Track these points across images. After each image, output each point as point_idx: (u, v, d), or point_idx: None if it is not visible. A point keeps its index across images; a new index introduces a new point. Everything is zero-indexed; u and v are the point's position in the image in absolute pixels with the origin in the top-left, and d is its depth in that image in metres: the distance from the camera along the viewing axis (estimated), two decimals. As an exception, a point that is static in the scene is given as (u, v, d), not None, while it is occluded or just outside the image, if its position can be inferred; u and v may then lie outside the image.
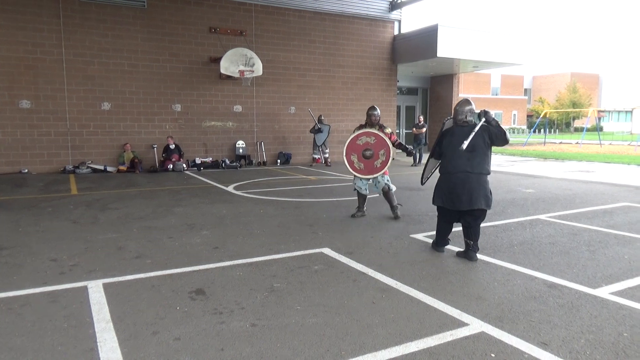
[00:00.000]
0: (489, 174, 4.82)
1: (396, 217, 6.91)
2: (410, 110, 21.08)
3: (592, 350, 2.93)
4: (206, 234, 5.98)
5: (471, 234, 4.85)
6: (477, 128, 4.72)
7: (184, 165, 13.27)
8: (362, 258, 4.90)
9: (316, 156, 14.95)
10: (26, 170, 12.24)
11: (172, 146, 13.43)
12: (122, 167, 12.78)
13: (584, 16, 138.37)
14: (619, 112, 59.12)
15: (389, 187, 6.99)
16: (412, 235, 5.87)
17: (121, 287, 4.06)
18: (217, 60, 13.64)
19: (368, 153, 6.73)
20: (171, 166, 13.03)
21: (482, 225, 5.05)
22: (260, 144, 15.19)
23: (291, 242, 5.59)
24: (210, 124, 14.47)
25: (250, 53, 13.77)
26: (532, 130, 32.39)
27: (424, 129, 15.07)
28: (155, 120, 13.69)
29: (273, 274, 4.43)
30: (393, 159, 6.85)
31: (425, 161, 5.74)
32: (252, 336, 3.14)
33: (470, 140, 4.63)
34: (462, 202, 4.75)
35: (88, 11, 12.50)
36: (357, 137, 6.80)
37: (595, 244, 5.40)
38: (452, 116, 5.06)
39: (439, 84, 20.59)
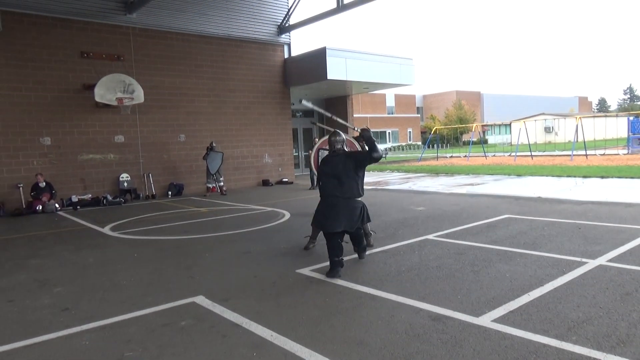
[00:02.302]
0: (360, 196, 5.35)
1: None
2: (307, 132, 21.08)
3: (474, 398, 2.64)
4: (59, 291, 5.07)
5: (355, 243, 5.63)
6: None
7: (57, 205, 11.80)
8: (239, 305, 4.35)
9: (210, 185, 14.17)
10: None
11: (42, 184, 11.91)
12: (-22, 213, 11.04)
13: (465, 38, 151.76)
14: (499, 125, 64.78)
15: None
16: (298, 271, 5.43)
17: None
18: (91, 88, 12.46)
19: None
20: (40, 207, 11.51)
21: (372, 251, 6.04)
22: (148, 175, 14.08)
23: (162, 292, 4.89)
24: (88, 157, 13.12)
25: (129, 79, 12.76)
26: (425, 146, 34.13)
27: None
28: (20, 156, 12.08)
29: (129, 338, 3.72)
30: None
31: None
32: None
33: (335, 169, 5.27)
34: (332, 225, 5.17)
35: None
36: (319, 147, 6.67)
37: (479, 263, 5.35)
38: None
39: (333, 105, 20.79)
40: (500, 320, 3.71)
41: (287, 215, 9.71)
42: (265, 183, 16.48)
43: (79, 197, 12.58)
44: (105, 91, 12.31)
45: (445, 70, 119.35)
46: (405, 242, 6.63)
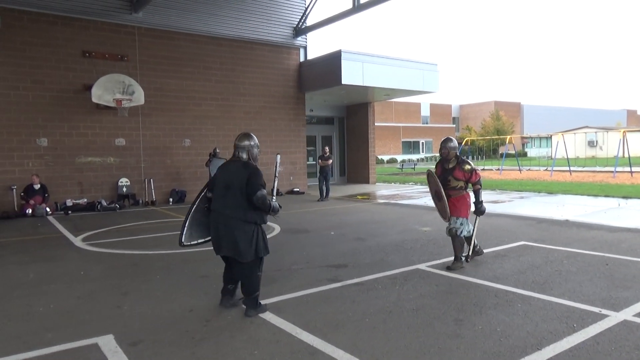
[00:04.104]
0: (246, 220, 4.14)
1: (449, 268, 5.62)
2: (327, 140, 20.16)
3: None
4: (-40, 318, 4.31)
5: (243, 290, 4.28)
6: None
7: (48, 209, 11.31)
8: (146, 353, 3.48)
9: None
10: None
11: (37, 186, 11.48)
12: (-35, 214, 10.67)
13: (506, 47, 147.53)
14: (540, 138, 61.97)
15: (457, 232, 5.68)
16: (246, 305, 4.49)
17: None
18: (91, 88, 11.96)
19: (438, 194, 5.84)
20: (30, 210, 11.06)
21: (346, 283, 5.05)
22: (149, 181, 13.48)
23: (72, 326, 4.06)
24: (87, 160, 12.63)
25: (129, 80, 12.22)
26: (456, 158, 32.46)
27: (330, 161, 14.00)
28: (15, 157, 11.70)
29: (-21, 396, 2.88)
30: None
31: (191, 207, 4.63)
32: None
33: (228, 177, 4.24)
34: (215, 246, 4.32)
35: None
36: (434, 179, 5.84)
37: (468, 309, 4.26)
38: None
39: (354, 113, 19.85)
40: (465, 406, 2.65)
41: (277, 230, 8.80)
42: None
43: (74, 201, 12.09)
44: (103, 92, 11.81)
45: (484, 80, 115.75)
46: (389, 272, 5.57)
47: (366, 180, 19.40)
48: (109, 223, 10.02)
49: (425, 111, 60.72)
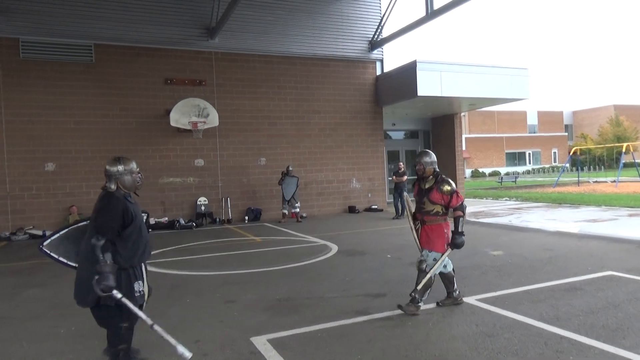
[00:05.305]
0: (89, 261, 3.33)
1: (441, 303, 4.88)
2: (411, 154, 19.32)
3: None
4: (-10, 337, 4.53)
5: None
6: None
7: (131, 228, 12.06)
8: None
9: (285, 211, 13.42)
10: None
11: (123, 207, 12.32)
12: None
13: (626, 45, 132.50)
14: (674, 144, 54.07)
15: (426, 269, 4.76)
16: (253, 339, 4.16)
17: None
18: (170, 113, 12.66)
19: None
20: (116, 229, 11.86)
21: (372, 317, 4.58)
22: (226, 199, 13.86)
23: (78, 351, 4.11)
24: (169, 181, 13.33)
25: (204, 103, 12.71)
26: (562, 169, 29.54)
27: (405, 177, 13.29)
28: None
29: None
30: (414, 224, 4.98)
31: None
32: None
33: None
34: None
35: (28, 69, 11.90)
36: (406, 201, 5.25)
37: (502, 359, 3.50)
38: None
39: (440, 125, 18.83)
40: None
41: (334, 251, 8.40)
42: (352, 210, 15.21)
43: (156, 220, 12.78)
44: (180, 116, 12.41)
45: (600, 82, 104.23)
46: (428, 306, 4.89)
47: (454, 196, 18.19)
48: (179, 241, 10.35)
49: (532, 119, 56.41)
